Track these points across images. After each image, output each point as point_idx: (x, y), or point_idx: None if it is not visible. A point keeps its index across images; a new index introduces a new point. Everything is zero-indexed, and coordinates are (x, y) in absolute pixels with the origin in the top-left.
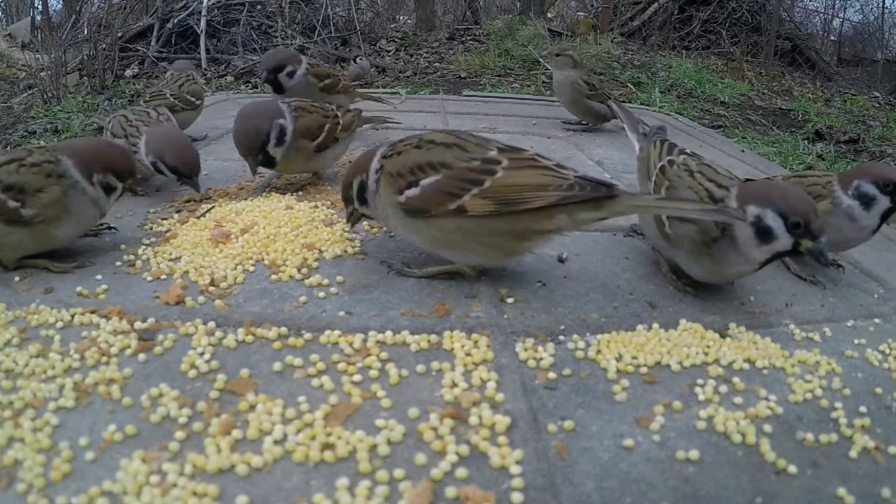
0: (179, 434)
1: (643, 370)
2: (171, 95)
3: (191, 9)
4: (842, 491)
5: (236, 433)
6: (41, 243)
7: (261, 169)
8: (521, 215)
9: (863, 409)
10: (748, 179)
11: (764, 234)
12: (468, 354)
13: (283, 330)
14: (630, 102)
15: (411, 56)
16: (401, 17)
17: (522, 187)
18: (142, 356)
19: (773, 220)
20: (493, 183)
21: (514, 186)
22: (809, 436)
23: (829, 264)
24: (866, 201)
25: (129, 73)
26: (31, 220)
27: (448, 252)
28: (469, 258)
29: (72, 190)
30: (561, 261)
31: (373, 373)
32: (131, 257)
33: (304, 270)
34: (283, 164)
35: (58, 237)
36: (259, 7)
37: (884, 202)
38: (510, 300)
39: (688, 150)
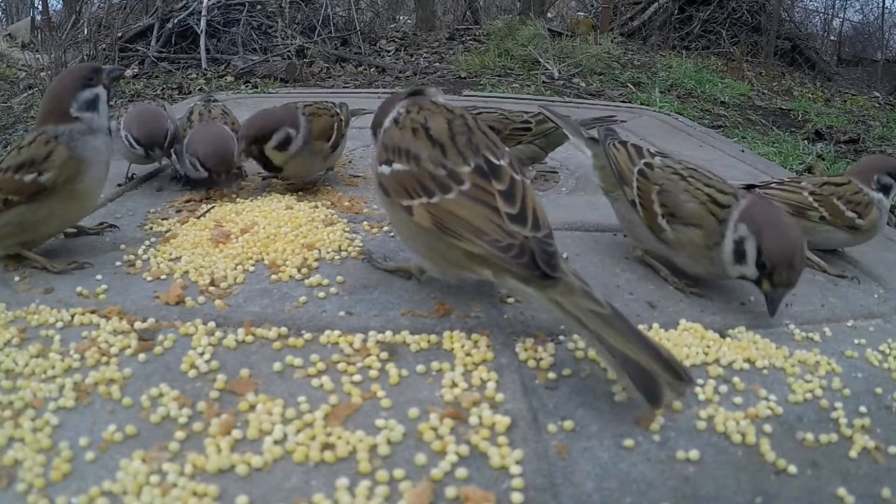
0: (179, 434)
1: None
2: None
3: (191, 9)
4: (842, 491)
5: (236, 433)
6: (71, 207)
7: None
8: (457, 246)
9: (863, 409)
10: (751, 185)
11: (739, 254)
12: (468, 354)
13: (283, 330)
14: (630, 102)
15: (411, 56)
16: (401, 17)
17: (460, 221)
18: (142, 356)
19: (749, 248)
20: (440, 201)
21: (454, 217)
22: (809, 436)
23: (773, 314)
24: (887, 191)
25: (129, 73)
26: (54, 185)
27: (400, 239)
28: (416, 258)
29: (73, 141)
30: None
31: (373, 373)
32: (131, 257)
33: (304, 270)
34: (301, 167)
35: (86, 192)
36: (259, 7)
37: None
38: (510, 300)
39: (651, 149)
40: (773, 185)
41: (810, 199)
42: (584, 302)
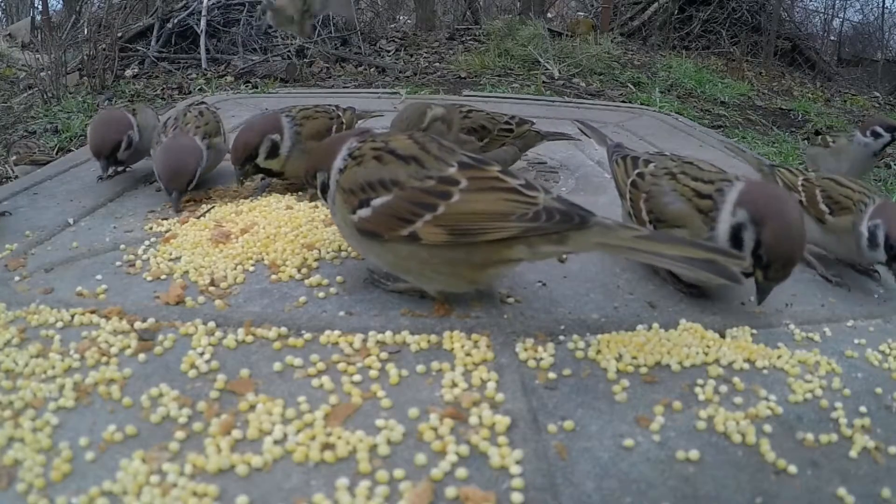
0: (179, 434)
1: (643, 370)
2: None
3: (191, 9)
4: (842, 491)
5: (236, 433)
6: None
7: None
8: (479, 245)
9: (863, 409)
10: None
11: (735, 241)
12: (468, 354)
13: (283, 330)
14: (630, 102)
15: (411, 56)
16: (401, 17)
17: (480, 215)
18: (142, 356)
19: (747, 237)
20: (447, 209)
21: (471, 214)
22: (809, 436)
23: (761, 303)
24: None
25: (129, 73)
26: None
27: (408, 277)
28: (429, 285)
29: None
30: (561, 261)
31: (373, 373)
32: (131, 257)
33: (304, 270)
34: (298, 167)
35: None
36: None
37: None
38: (510, 300)
39: (666, 152)
40: (784, 167)
41: (799, 183)
42: (625, 232)
